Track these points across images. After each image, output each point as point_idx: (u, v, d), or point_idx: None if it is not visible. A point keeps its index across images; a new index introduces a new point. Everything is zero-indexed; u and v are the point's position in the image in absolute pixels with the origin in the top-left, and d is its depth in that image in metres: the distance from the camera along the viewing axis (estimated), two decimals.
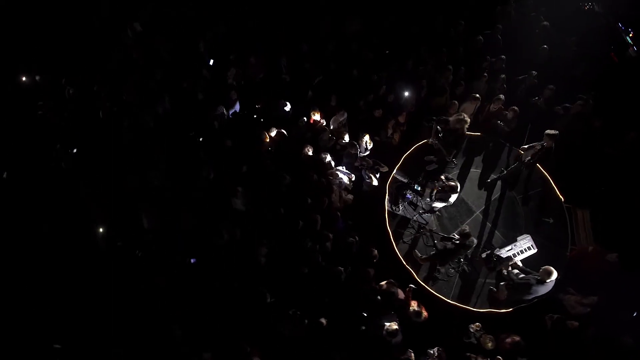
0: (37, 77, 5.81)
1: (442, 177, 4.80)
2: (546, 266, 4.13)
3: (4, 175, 5.19)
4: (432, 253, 4.86)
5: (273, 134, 5.51)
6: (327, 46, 6.31)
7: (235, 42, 6.32)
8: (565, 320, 4.38)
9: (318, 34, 6.49)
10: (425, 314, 4.35)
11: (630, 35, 7.14)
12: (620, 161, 5.63)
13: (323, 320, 4.17)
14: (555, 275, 4.03)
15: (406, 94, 5.78)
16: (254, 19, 6.44)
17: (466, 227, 4.69)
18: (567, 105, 5.82)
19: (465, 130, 5.12)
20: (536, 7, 6.96)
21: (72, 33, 6.13)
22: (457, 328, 4.54)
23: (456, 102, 5.73)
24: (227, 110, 5.82)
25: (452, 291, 4.89)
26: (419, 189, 5.32)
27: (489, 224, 5.32)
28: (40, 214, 4.82)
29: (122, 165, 5.10)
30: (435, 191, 4.76)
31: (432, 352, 4.11)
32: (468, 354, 4.32)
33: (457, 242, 4.33)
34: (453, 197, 4.67)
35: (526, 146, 5.29)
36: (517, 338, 4.34)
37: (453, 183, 4.66)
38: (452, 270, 4.95)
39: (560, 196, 5.61)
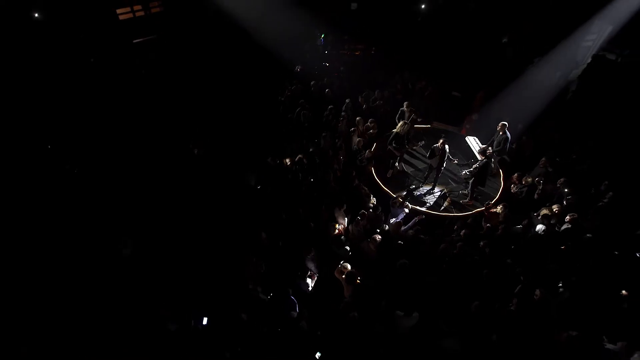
0: None
1: (439, 143, 7.17)
2: (498, 125, 7.45)
3: None
4: (469, 187, 7.29)
5: (348, 268, 5.95)
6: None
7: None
8: None
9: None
10: (501, 206, 6.82)
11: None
12: None
13: None
14: (505, 123, 7.40)
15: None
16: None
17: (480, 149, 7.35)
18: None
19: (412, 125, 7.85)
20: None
21: None
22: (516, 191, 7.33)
23: (359, 139, 8.26)
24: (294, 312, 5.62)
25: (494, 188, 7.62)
26: (414, 186, 7.59)
27: (449, 156, 8.14)
28: None
29: None
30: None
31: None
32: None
33: (481, 165, 6.93)
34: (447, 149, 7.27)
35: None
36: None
37: (440, 143, 7.18)
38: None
39: (429, 124, 9.52)
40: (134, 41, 12.70)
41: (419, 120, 8.17)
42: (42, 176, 7.31)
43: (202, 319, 5.39)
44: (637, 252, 6.35)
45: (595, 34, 11.22)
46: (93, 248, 5.86)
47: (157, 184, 7.15)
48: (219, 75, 10.96)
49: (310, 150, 8.18)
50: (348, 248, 6.28)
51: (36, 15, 10.96)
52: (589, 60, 11.02)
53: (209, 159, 7.95)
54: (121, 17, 12.84)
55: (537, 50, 11.09)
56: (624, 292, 5.44)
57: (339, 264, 5.94)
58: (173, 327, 5.21)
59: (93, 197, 6.90)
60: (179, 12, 13.06)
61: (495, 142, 7.46)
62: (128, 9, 13.02)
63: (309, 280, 5.92)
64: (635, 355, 4.88)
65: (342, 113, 9.20)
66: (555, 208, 6.66)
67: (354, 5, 14.55)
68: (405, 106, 8.12)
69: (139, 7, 13.17)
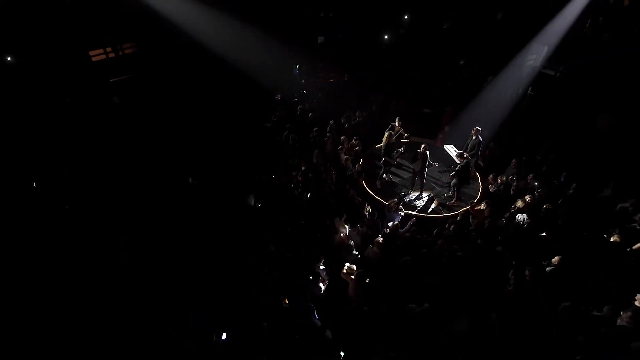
0: None
1: (421, 148, 7.94)
2: (472, 130, 8.39)
3: None
4: (454, 189, 8.04)
5: (354, 269, 6.31)
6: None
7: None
8: None
9: None
10: (484, 203, 7.62)
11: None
12: None
13: None
14: (479, 128, 8.35)
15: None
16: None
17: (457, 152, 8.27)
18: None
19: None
20: None
21: None
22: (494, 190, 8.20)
23: (346, 156, 8.91)
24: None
25: (473, 189, 8.41)
26: (404, 193, 8.26)
27: (430, 161, 8.86)
28: None
29: None
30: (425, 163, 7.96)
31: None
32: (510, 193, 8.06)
33: (463, 165, 7.75)
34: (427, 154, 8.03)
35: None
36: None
37: (421, 148, 7.96)
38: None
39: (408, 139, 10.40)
40: (111, 80, 12.91)
41: (405, 135, 9.01)
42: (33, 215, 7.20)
43: (222, 334, 5.47)
44: (604, 234, 7.27)
45: (534, 55, 13.06)
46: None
47: (162, 215, 7.29)
48: (204, 106, 11.40)
49: (303, 167, 8.68)
50: (357, 253, 6.67)
51: (9, 59, 11.01)
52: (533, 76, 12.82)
53: (206, 186, 8.18)
54: (94, 59, 13.12)
55: (490, 70, 12.67)
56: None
57: (345, 266, 6.34)
58: (193, 347, 5.24)
59: (92, 232, 6.91)
60: (153, 52, 13.51)
61: (469, 146, 8.38)
62: (101, 51, 13.36)
63: (321, 285, 6.19)
64: (618, 321, 5.56)
65: (327, 133, 9.88)
66: (527, 198, 7.56)
67: (320, 39, 15.82)
68: (396, 121, 8.96)
69: (110, 49, 13.60)
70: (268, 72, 12.55)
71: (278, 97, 11.92)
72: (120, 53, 13.81)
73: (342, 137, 9.53)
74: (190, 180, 8.44)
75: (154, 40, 13.35)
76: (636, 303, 5.52)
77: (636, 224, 7.03)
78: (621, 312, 5.55)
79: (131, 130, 10.62)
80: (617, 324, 5.54)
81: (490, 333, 5.43)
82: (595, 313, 5.76)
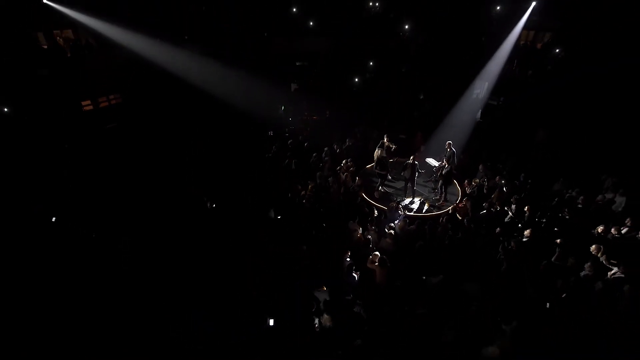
0: None
1: (410, 160, 9.74)
2: (446, 144, 10.43)
3: None
4: (442, 191, 9.85)
5: (378, 255, 7.59)
6: None
7: None
8: None
9: None
10: (464, 202, 9.49)
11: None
12: None
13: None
14: (450, 142, 10.41)
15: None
16: None
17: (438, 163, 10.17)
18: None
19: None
20: None
21: None
22: (470, 191, 10.14)
23: (345, 173, 10.51)
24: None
25: (454, 193, 10.30)
26: (399, 199, 9.94)
27: (419, 169, 10.73)
28: None
29: None
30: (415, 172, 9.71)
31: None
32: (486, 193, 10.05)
33: (447, 168, 9.64)
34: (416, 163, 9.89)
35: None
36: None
37: (410, 159, 9.77)
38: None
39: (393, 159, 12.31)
40: (107, 127, 13.79)
41: (393, 148, 10.91)
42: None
43: (269, 320, 6.29)
44: (560, 213, 9.33)
45: (479, 89, 16.24)
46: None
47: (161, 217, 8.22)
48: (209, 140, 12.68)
49: (311, 185, 10.10)
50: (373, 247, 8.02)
51: (5, 109, 11.70)
52: (482, 106, 15.87)
53: (226, 209, 9.21)
54: (85, 109, 14.10)
55: (446, 102, 15.49)
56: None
57: (369, 256, 7.63)
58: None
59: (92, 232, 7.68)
60: (139, 102, 14.73)
61: (446, 157, 10.42)
62: (89, 102, 14.41)
63: (354, 274, 7.38)
64: (582, 272, 7.32)
65: (325, 158, 11.51)
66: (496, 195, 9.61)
67: (294, 85, 18.11)
68: (385, 138, 10.87)
69: (103, 98, 14.71)
70: (258, 113, 14.28)
71: (270, 133, 13.54)
72: (106, 104, 14.95)
73: (343, 160, 11.21)
74: (208, 205, 9.44)
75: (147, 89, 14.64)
76: (593, 253, 7.39)
77: (579, 204, 9.21)
78: (585, 265, 7.33)
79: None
80: (581, 274, 7.29)
81: (496, 288, 6.93)
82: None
